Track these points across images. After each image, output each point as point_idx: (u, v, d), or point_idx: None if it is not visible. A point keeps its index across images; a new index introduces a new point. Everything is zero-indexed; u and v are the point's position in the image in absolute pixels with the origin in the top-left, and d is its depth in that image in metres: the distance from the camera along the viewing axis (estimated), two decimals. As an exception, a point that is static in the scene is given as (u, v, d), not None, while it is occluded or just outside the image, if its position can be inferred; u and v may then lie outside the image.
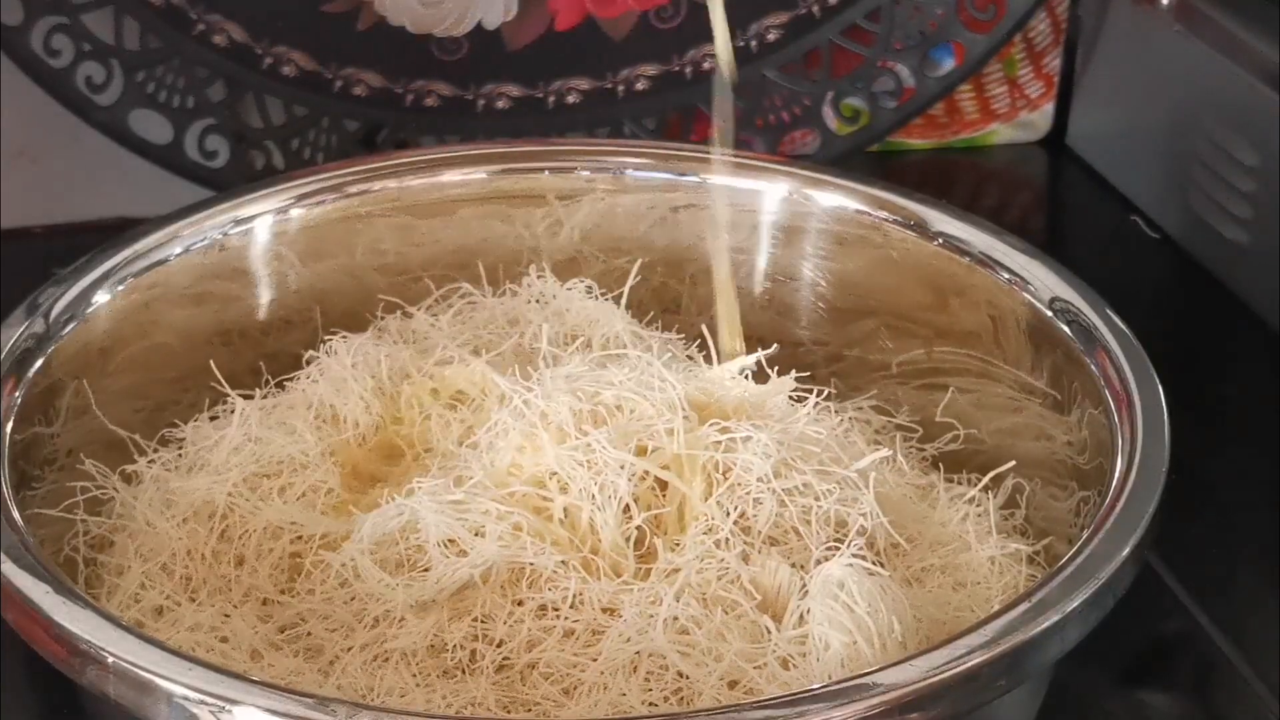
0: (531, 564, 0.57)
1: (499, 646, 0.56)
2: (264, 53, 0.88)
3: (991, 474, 0.65)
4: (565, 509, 0.58)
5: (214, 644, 0.58)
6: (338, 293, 0.72)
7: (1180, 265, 0.91)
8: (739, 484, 0.58)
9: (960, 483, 0.66)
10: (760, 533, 0.58)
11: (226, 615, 0.60)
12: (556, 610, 0.57)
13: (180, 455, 0.65)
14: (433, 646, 0.57)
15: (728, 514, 0.58)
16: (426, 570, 0.58)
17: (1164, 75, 0.93)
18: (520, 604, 0.57)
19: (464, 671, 0.56)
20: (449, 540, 0.58)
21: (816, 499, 0.59)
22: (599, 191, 0.74)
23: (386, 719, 0.50)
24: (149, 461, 0.65)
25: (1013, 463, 0.65)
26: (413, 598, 0.58)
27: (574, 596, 0.57)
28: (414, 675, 0.56)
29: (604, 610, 0.57)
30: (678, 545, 0.58)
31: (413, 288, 0.72)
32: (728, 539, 0.58)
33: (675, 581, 0.57)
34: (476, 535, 0.58)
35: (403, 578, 0.58)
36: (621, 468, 0.58)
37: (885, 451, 0.62)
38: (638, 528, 0.58)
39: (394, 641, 0.57)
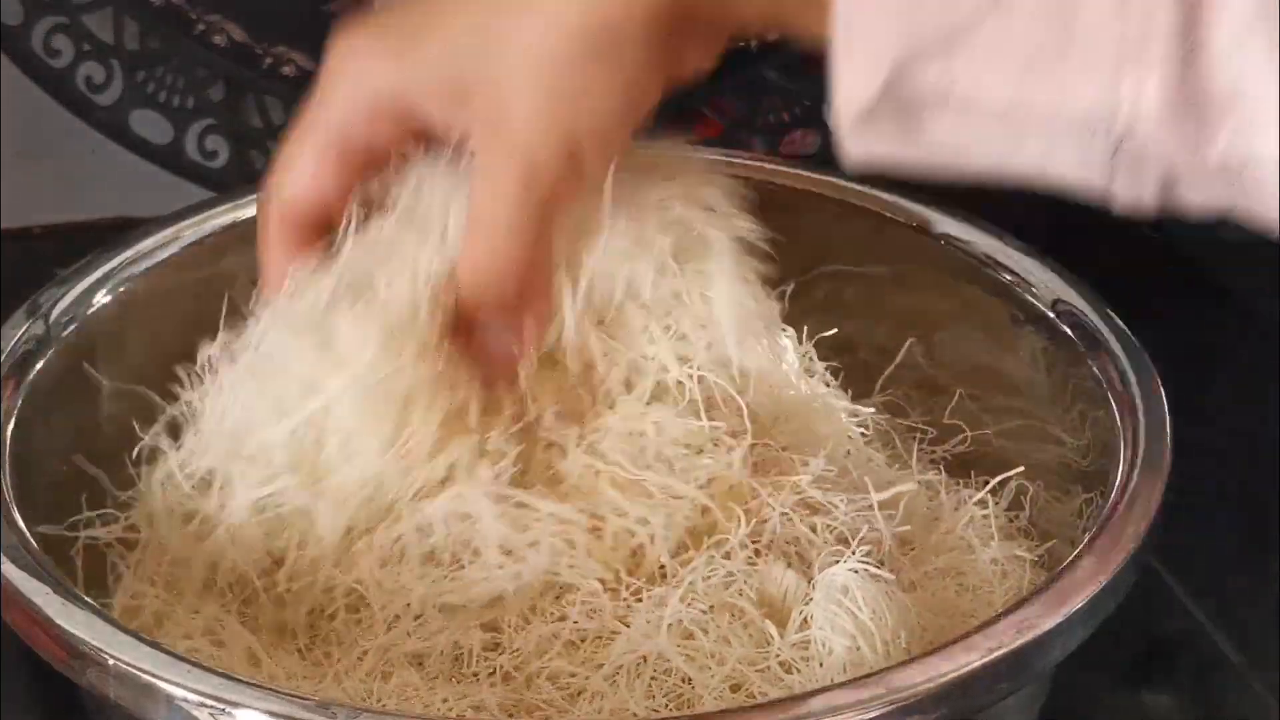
0: (569, 583, 0.57)
1: (514, 653, 0.56)
2: (264, 53, 0.88)
3: (997, 479, 0.64)
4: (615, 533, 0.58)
5: (214, 647, 0.58)
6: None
7: (1180, 265, 0.91)
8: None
9: (964, 486, 0.66)
10: (769, 544, 0.59)
11: (228, 613, 0.60)
12: (574, 621, 0.57)
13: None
14: (440, 653, 0.57)
15: (738, 525, 0.58)
16: (461, 568, 0.58)
17: (1164, 75, 0.93)
18: (534, 609, 0.57)
19: (476, 677, 0.56)
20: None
21: (830, 520, 0.59)
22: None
23: (387, 722, 0.51)
24: (152, 464, 0.65)
25: (1020, 469, 0.65)
26: (440, 600, 0.58)
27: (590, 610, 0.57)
28: (419, 678, 0.56)
29: (617, 619, 0.57)
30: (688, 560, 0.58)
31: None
32: (734, 550, 0.58)
33: (681, 587, 0.57)
34: (530, 546, 0.57)
35: (436, 574, 0.58)
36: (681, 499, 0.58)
37: (910, 487, 0.62)
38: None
39: (407, 645, 0.57)
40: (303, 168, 0.57)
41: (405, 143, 0.57)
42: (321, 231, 0.58)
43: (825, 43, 0.51)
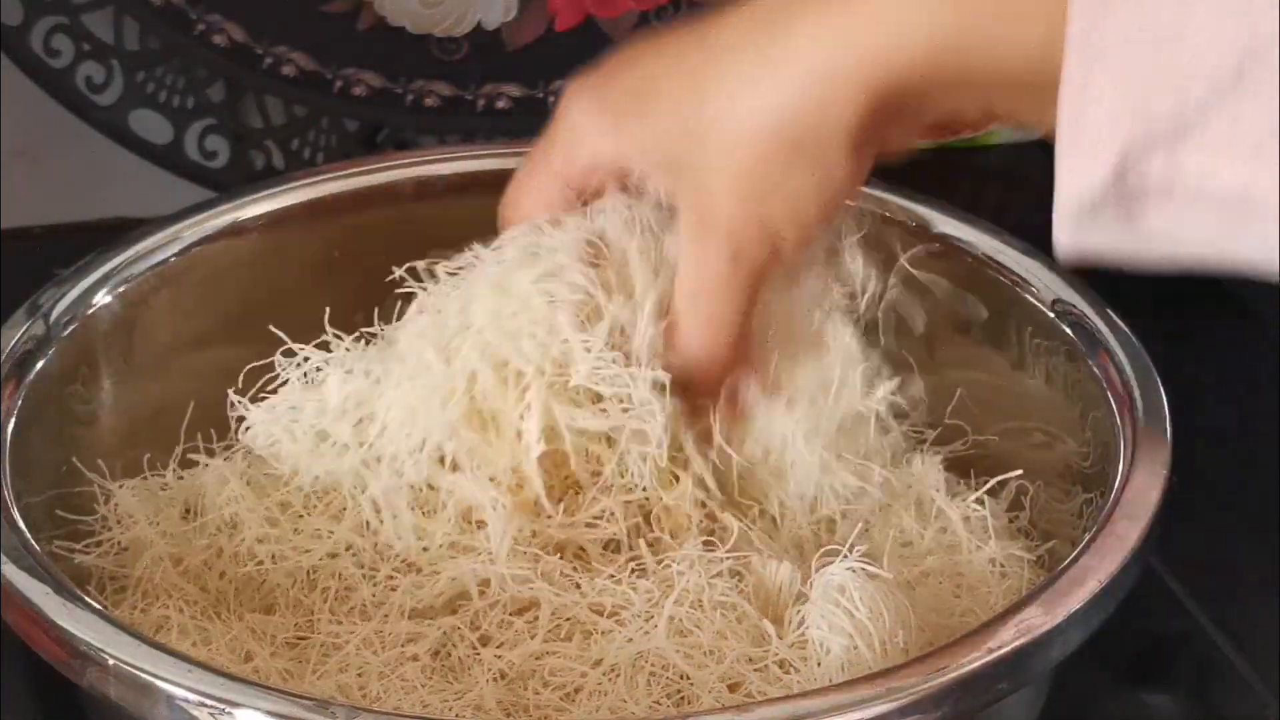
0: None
1: (498, 648, 0.57)
2: (264, 53, 0.88)
3: (996, 479, 0.64)
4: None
5: (216, 649, 0.58)
6: (339, 293, 0.72)
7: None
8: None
9: (964, 485, 0.66)
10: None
11: (227, 612, 0.60)
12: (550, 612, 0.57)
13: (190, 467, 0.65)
14: (437, 653, 0.57)
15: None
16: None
17: (1164, 75, 0.93)
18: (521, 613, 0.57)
19: (472, 675, 0.56)
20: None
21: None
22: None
23: (385, 721, 0.51)
24: (153, 473, 0.65)
25: (1019, 471, 0.65)
26: (414, 602, 0.58)
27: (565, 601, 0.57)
28: (416, 677, 0.56)
29: (594, 610, 0.57)
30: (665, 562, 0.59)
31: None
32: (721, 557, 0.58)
33: (674, 585, 0.57)
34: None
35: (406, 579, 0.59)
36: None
37: (876, 494, 0.62)
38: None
39: (396, 646, 0.57)
40: (533, 194, 0.62)
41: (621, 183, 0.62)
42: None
43: (1046, 132, 0.50)
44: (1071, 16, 0.48)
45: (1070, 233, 0.51)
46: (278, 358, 0.64)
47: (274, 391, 0.66)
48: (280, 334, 0.64)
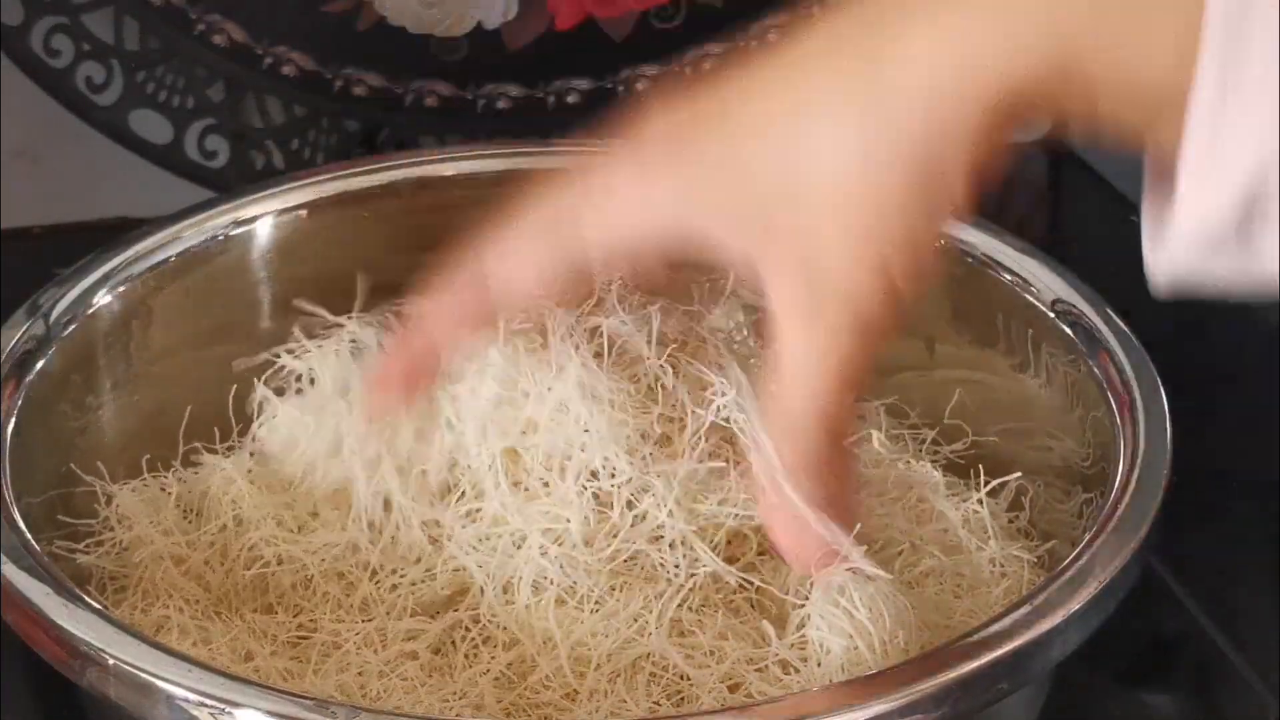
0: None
1: (494, 648, 0.57)
2: (264, 53, 0.88)
3: (996, 481, 0.64)
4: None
5: (217, 649, 0.58)
6: (339, 294, 0.72)
7: (1180, 265, 0.91)
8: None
9: (964, 485, 0.66)
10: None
11: (228, 612, 0.60)
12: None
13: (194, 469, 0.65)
14: (437, 651, 0.57)
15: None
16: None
17: (1164, 75, 0.93)
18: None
19: (471, 675, 0.56)
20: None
21: None
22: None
23: (385, 721, 0.51)
24: (153, 474, 0.65)
25: (1018, 474, 0.65)
26: (416, 599, 0.58)
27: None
28: (416, 675, 0.56)
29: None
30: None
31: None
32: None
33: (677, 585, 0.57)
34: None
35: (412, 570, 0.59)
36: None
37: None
38: None
39: (396, 645, 0.57)
40: (524, 261, 0.55)
41: (652, 273, 0.55)
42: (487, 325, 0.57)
43: (1154, 145, 0.47)
44: (1209, 22, 0.44)
45: (1191, 258, 0.46)
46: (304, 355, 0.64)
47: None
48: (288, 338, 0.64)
